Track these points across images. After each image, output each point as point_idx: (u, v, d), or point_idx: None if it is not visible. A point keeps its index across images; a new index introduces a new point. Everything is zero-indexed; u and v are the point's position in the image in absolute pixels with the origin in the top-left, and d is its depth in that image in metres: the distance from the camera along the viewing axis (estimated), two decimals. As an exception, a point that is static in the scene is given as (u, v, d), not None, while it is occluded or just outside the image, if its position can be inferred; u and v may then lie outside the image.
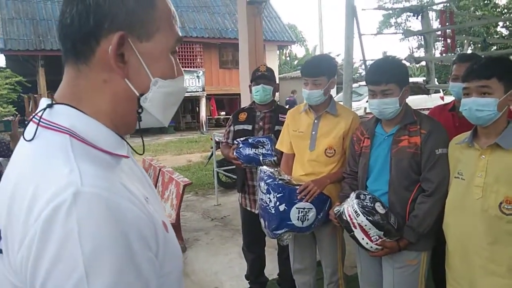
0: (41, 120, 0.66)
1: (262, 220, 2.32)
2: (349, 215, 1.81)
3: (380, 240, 1.80)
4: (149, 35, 0.69)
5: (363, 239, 1.81)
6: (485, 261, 1.59)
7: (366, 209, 1.77)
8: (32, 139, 0.65)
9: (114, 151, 0.69)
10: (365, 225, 1.78)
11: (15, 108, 15.58)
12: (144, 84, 0.71)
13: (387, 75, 1.85)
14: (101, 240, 0.55)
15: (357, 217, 1.78)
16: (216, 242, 4.35)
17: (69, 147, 0.62)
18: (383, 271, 2.00)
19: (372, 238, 1.80)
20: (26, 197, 0.58)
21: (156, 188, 4.86)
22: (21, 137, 0.68)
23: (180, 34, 0.76)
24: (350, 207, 1.82)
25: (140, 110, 0.72)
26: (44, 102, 0.69)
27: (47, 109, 0.67)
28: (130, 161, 0.77)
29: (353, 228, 1.82)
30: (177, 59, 0.77)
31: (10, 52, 14.06)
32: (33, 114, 0.68)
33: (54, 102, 0.68)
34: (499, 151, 1.58)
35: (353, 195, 1.87)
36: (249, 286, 3.13)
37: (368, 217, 1.76)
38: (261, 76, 2.75)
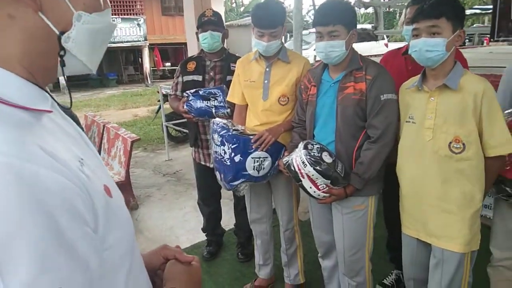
0: None
1: (217, 173, 2.27)
2: (297, 166, 1.81)
3: (327, 188, 1.82)
4: None
5: (310, 187, 1.83)
6: (437, 200, 1.66)
7: (313, 159, 1.77)
8: None
9: (32, 106, 0.55)
10: (312, 175, 1.79)
11: None
12: (65, 19, 0.58)
13: (335, 16, 1.80)
14: (14, 220, 0.44)
15: (305, 167, 1.78)
16: (170, 197, 4.29)
17: None
18: (333, 217, 2.05)
19: (319, 187, 1.82)
20: None
21: (101, 145, 4.61)
22: None
23: None
24: (298, 157, 1.81)
25: (62, 53, 0.59)
26: None
27: None
28: (58, 117, 0.64)
29: (301, 178, 1.82)
30: None
31: None
32: None
33: None
34: (447, 92, 1.61)
35: (301, 145, 1.85)
36: (206, 238, 3.14)
37: (315, 167, 1.76)
38: (208, 21, 2.57)
